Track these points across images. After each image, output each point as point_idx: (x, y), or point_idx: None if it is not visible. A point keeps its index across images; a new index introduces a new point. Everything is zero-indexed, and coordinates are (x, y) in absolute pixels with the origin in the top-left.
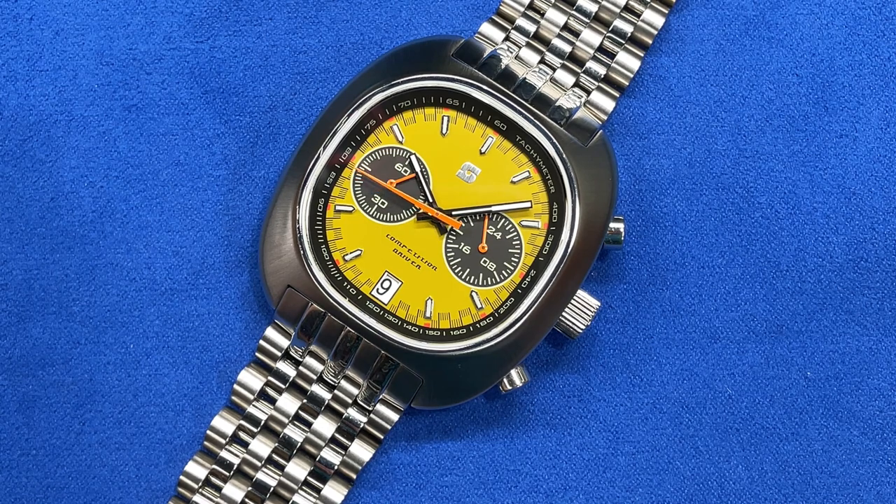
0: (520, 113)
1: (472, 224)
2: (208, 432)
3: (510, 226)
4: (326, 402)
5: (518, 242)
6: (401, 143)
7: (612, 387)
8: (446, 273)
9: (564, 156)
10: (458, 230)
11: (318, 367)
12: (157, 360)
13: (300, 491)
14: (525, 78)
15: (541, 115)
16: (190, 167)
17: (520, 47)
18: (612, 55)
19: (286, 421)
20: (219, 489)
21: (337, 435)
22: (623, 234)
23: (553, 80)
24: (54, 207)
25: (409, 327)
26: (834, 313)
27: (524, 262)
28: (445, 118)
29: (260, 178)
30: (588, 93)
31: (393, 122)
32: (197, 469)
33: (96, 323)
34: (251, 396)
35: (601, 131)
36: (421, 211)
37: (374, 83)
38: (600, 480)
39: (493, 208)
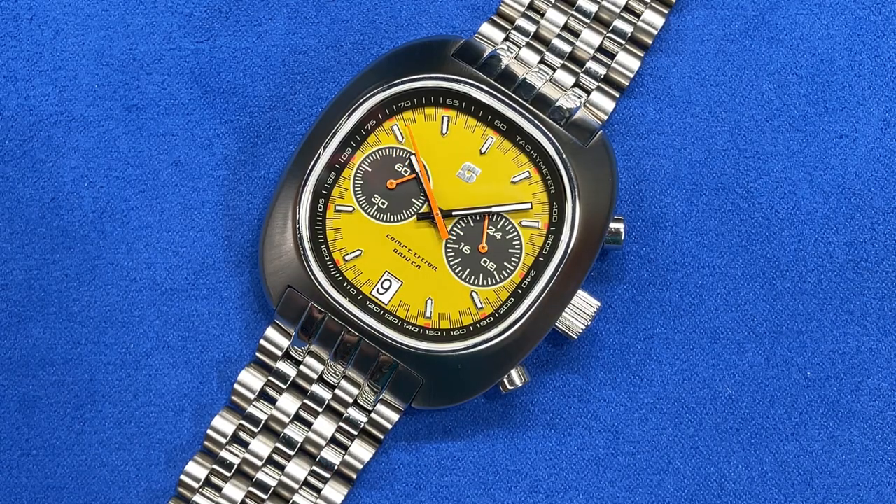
0: (520, 113)
1: (472, 224)
2: (208, 432)
3: (510, 226)
4: (327, 402)
5: (518, 242)
6: (401, 143)
7: (612, 387)
8: (446, 273)
9: (564, 156)
10: (458, 230)
11: (319, 367)
12: (157, 360)
13: (300, 491)
14: (525, 78)
15: (541, 115)
16: (190, 167)
17: (520, 47)
18: (612, 55)
19: (286, 421)
20: (219, 489)
21: (337, 435)
22: (623, 234)
23: (553, 80)
24: (54, 207)
25: (410, 327)
26: (834, 313)
27: (524, 262)
28: (445, 118)
29: (260, 178)
30: (588, 93)
31: (393, 122)
32: (197, 469)
33: (96, 323)
34: (251, 396)
35: (601, 131)
36: (421, 211)
37: (374, 83)
38: (600, 480)
39: (494, 209)
